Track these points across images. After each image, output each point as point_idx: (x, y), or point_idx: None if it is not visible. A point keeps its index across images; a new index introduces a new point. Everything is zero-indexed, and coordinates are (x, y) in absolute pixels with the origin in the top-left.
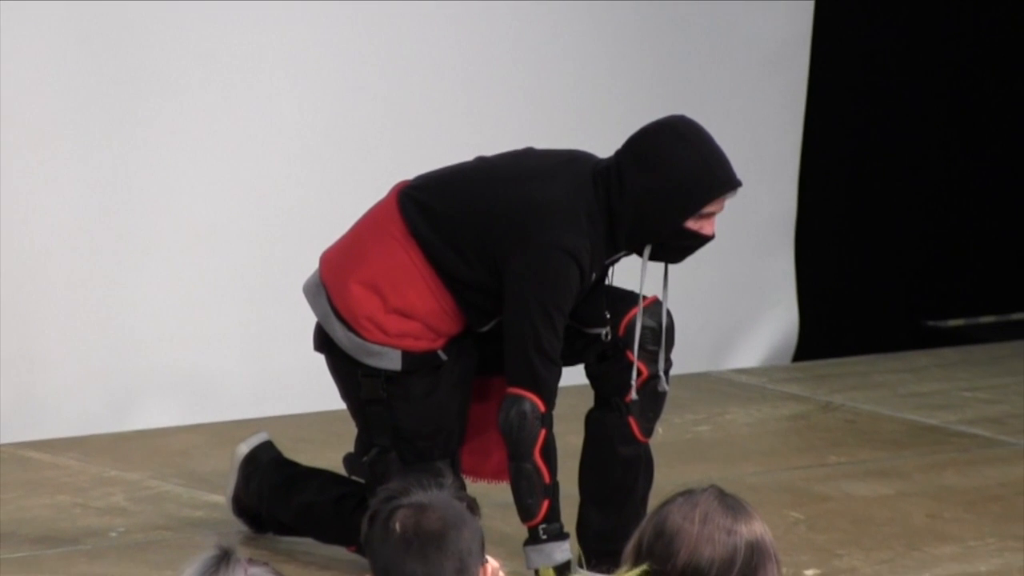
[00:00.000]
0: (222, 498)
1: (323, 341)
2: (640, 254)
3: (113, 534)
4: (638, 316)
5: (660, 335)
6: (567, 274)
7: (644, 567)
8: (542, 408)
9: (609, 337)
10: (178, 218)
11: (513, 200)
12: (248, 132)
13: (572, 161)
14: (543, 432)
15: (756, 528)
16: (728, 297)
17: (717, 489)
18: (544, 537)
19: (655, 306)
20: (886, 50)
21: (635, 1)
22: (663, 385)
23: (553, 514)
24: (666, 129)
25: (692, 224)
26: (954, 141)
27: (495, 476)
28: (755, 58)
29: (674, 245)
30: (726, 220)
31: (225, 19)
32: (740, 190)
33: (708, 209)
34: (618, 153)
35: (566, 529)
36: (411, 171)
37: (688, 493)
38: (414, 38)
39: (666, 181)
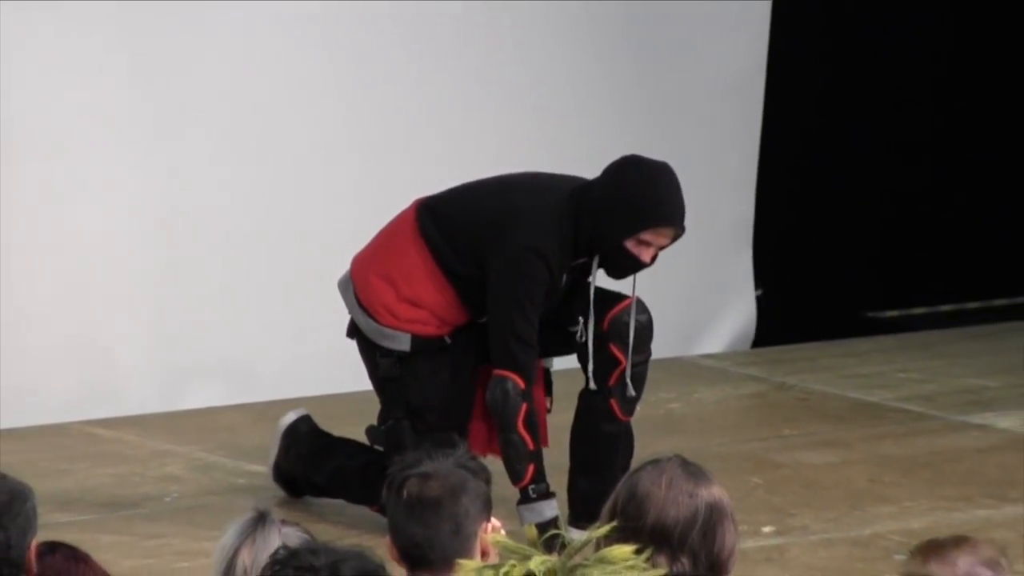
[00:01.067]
0: (262, 468)
1: (353, 328)
2: (591, 262)
3: (167, 499)
4: (631, 310)
5: (637, 331)
6: (536, 271)
7: (612, 524)
8: (522, 385)
9: (583, 338)
10: (225, 223)
11: (499, 207)
12: (284, 145)
13: (563, 179)
14: (524, 406)
15: (715, 492)
16: (696, 291)
17: (680, 458)
18: (533, 496)
19: (637, 304)
20: (834, 77)
21: (603, 36)
22: (630, 391)
23: (539, 476)
24: (640, 162)
25: (631, 245)
26: (886, 159)
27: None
28: (717, 84)
29: (614, 261)
30: (693, 224)
31: (258, 46)
32: (708, 198)
33: (646, 236)
34: (602, 173)
35: (552, 489)
36: (426, 182)
37: (656, 462)
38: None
39: (616, 198)
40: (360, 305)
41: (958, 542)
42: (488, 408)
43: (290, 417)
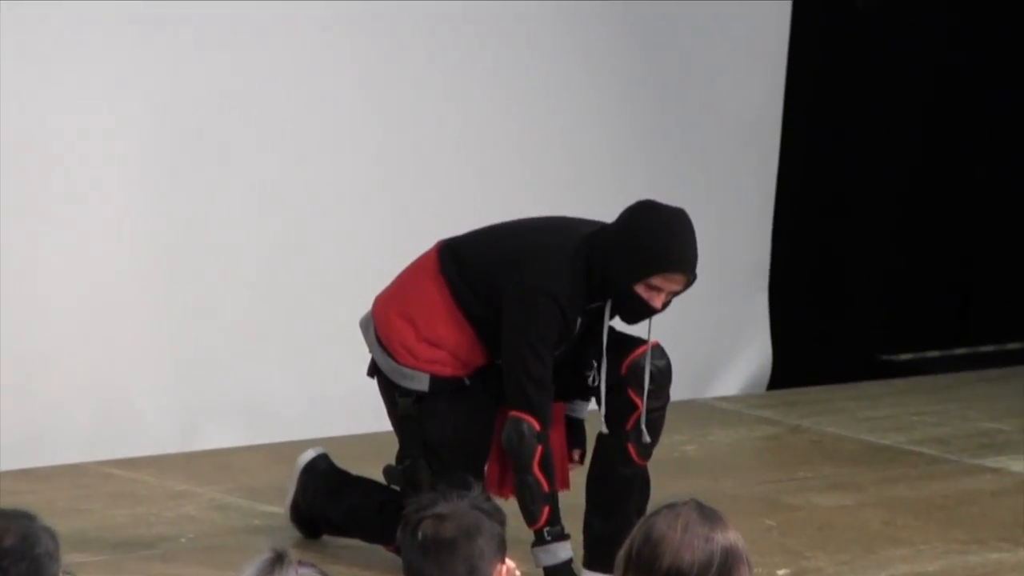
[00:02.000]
0: (278, 509)
1: (373, 367)
2: (604, 305)
3: (183, 540)
4: (648, 355)
5: (656, 377)
6: (548, 312)
7: (627, 570)
8: (537, 427)
9: (596, 382)
10: (245, 264)
11: (514, 247)
12: (306, 187)
13: (581, 222)
14: (540, 448)
15: (730, 536)
16: (712, 334)
17: (696, 502)
18: (548, 538)
19: (656, 350)
20: (849, 123)
21: (622, 79)
22: (645, 437)
23: (554, 518)
24: (655, 207)
25: (641, 290)
26: (901, 203)
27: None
28: (733, 128)
29: (625, 305)
30: (710, 267)
31: (288, 82)
32: (723, 241)
33: (656, 281)
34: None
35: (567, 531)
36: (450, 225)
37: (672, 505)
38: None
39: (628, 243)
40: (380, 344)
41: None
42: (503, 449)
43: (308, 455)
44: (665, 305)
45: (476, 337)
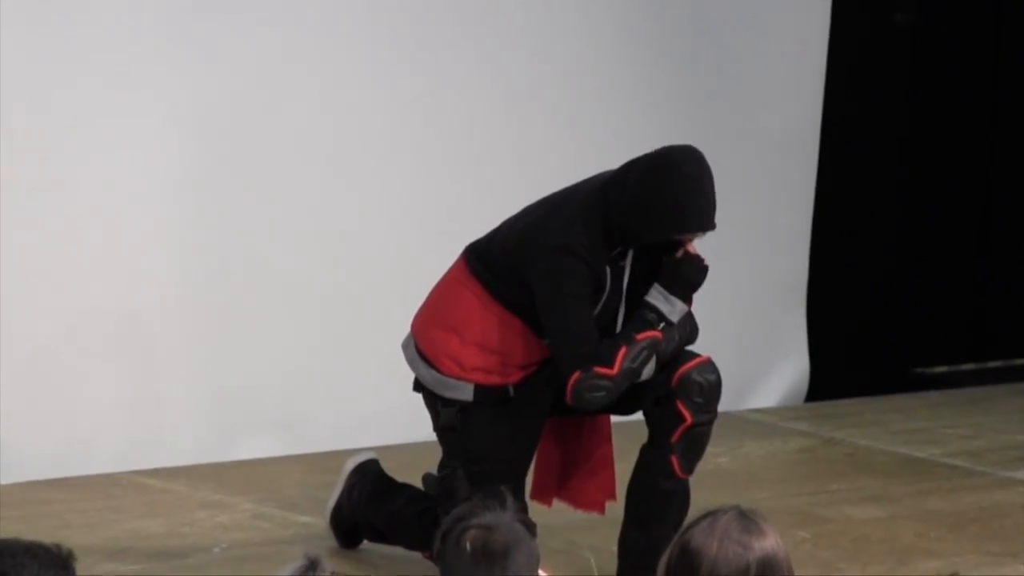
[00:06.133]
0: (313, 519)
1: (418, 382)
2: (625, 254)
3: (216, 550)
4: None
5: (706, 390)
6: (573, 268)
7: None
8: (603, 370)
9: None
10: (280, 275)
11: (527, 224)
12: (342, 198)
13: (588, 180)
14: (621, 350)
15: (769, 544)
16: (750, 349)
17: (738, 509)
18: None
19: (707, 364)
20: (887, 138)
21: (659, 93)
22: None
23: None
24: (668, 156)
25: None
26: (937, 217)
27: (590, 506)
28: (771, 143)
29: (652, 251)
30: (748, 283)
31: (326, 95)
32: (762, 257)
33: (680, 238)
34: (627, 164)
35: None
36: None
37: (711, 514)
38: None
39: (645, 205)
40: (423, 357)
41: None
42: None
43: (360, 458)
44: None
45: (524, 326)
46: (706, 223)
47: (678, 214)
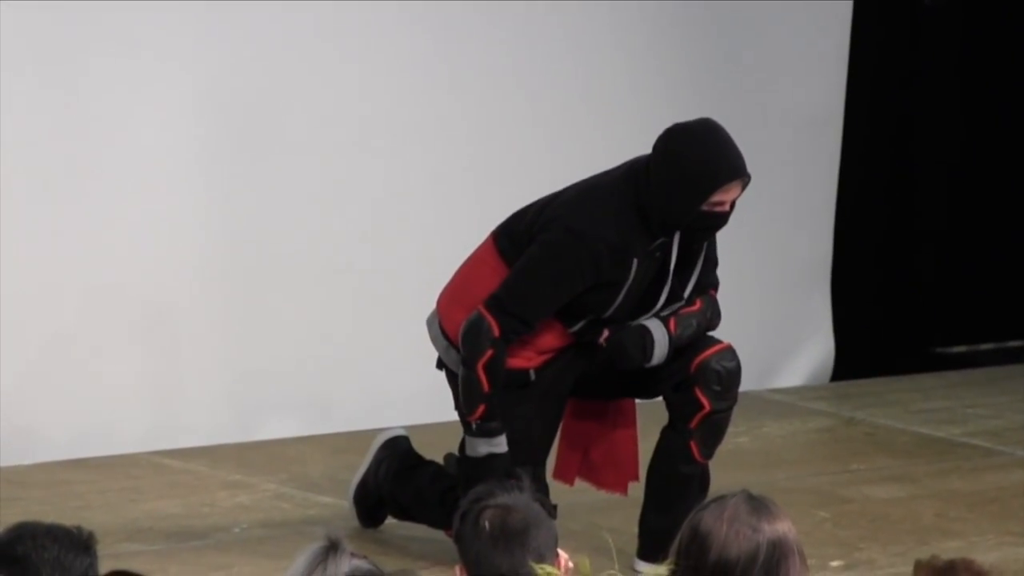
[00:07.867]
0: (333, 500)
1: (440, 360)
2: (671, 240)
3: (237, 530)
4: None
5: (724, 378)
6: (574, 256)
7: (669, 564)
8: (496, 332)
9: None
10: (301, 255)
11: (554, 204)
12: (365, 180)
13: (620, 166)
14: (490, 351)
15: (779, 527)
16: (774, 329)
17: (747, 493)
18: (474, 428)
19: (727, 352)
20: (910, 119)
21: (682, 74)
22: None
23: (489, 415)
24: (683, 129)
25: (707, 208)
26: (957, 195)
27: (613, 487)
28: (796, 123)
29: (698, 227)
30: (772, 264)
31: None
32: (786, 238)
33: (716, 198)
34: (651, 152)
35: (499, 425)
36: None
37: (720, 498)
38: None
39: (676, 176)
40: (446, 338)
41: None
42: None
43: (390, 432)
44: (731, 208)
45: None
46: (738, 170)
47: (707, 168)
